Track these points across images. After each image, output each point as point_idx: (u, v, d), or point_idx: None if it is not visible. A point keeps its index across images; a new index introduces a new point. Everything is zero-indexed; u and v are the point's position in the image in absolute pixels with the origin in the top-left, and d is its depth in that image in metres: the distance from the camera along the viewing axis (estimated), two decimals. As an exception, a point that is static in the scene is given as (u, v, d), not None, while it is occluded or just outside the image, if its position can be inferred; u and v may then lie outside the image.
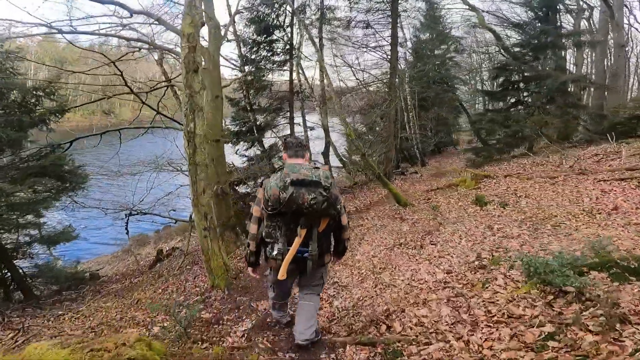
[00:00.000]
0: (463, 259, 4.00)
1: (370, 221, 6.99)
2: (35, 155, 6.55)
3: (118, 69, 6.32)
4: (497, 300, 2.80)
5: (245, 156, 11.83)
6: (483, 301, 2.86)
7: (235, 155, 11.81)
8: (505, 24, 13.55)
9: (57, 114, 6.39)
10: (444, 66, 17.08)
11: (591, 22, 17.04)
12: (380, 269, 4.39)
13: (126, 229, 7.43)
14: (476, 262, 3.79)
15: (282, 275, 2.22)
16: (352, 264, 4.85)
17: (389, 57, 12.07)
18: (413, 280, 3.83)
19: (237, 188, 11.07)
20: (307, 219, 2.18)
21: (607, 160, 7.49)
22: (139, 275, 8.32)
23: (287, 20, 12.07)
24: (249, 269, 2.69)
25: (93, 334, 4.57)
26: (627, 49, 11.25)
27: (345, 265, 4.85)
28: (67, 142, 7.36)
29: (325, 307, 3.84)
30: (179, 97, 8.84)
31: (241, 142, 11.77)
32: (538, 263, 2.78)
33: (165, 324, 4.01)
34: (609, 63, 13.40)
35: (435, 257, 4.23)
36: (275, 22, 11.81)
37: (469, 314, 2.73)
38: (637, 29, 18.76)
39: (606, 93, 11.78)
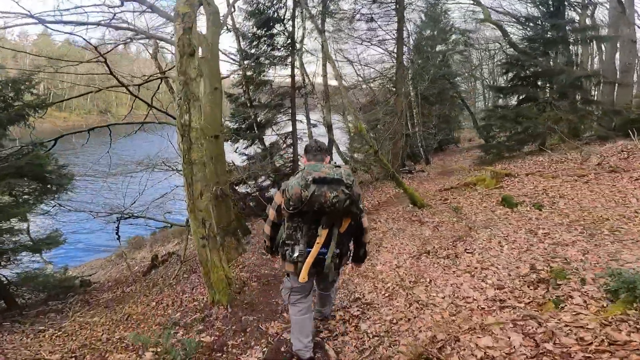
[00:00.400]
0: (513, 271, 3.31)
1: (385, 224, 6.29)
2: (16, 154, 5.78)
3: (102, 55, 5.53)
4: (587, 325, 2.14)
5: (245, 154, 11.11)
6: (566, 325, 2.19)
7: (234, 154, 11.08)
8: (513, 20, 12.93)
9: (38, 109, 5.62)
10: (446, 62, 16.50)
11: (594, 18, 16.58)
12: (410, 282, 3.69)
13: (117, 234, 6.66)
14: (533, 275, 3.11)
15: (303, 277, 2.16)
16: (374, 275, 4.14)
17: (393, 51, 11.44)
18: (457, 297, 3.13)
19: (237, 188, 10.35)
20: (328, 219, 2.11)
21: (635, 157, 6.85)
22: (132, 284, 7.56)
23: (288, 14, 11.37)
24: (269, 255, 2.71)
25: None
26: (638, 45, 10.59)
27: (366, 277, 4.15)
28: (52, 140, 6.58)
29: (350, 332, 3.13)
30: (174, 90, 8.09)
31: (241, 140, 11.04)
32: (636, 277, 2.15)
33: (159, 349, 3.29)
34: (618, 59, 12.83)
35: (476, 268, 3.54)
36: (275, 14, 11.10)
37: (554, 343, 2.05)
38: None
39: (616, 89, 11.20)
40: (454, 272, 3.60)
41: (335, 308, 3.59)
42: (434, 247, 4.36)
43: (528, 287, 3.00)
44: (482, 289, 3.16)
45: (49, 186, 5.74)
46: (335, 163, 2.30)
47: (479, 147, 12.42)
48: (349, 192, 2.02)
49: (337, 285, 3.27)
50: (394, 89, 10.78)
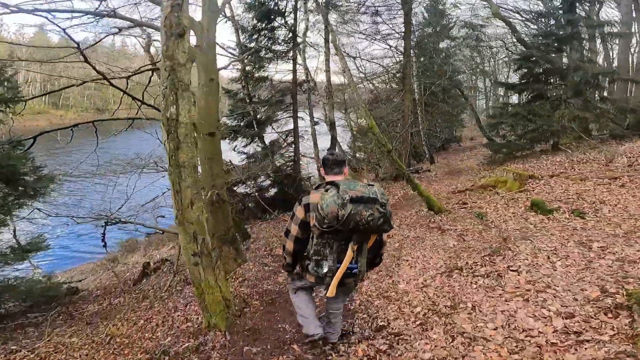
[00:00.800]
0: (578, 294, 2.67)
1: (400, 231, 5.63)
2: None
3: (77, 44, 4.79)
4: None
5: (244, 153, 10.39)
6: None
7: (233, 153, 10.37)
8: (521, 17, 12.34)
9: (8, 104, 4.88)
10: (450, 60, 15.89)
11: (599, 17, 16.03)
12: (446, 307, 3.02)
13: (103, 240, 5.93)
14: (607, 300, 2.50)
15: (331, 292, 2.16)
16: (397, 296, 3.48)
17: (398, 47, 10.80)
18: (514, 329, 2.48)
19: (235, 189, 9.64)
20: (359, 236, 2.09)
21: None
22: (121, 294, 6.84)
23: (290, 6, 10.66)
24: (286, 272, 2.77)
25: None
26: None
27: (388, 299, 3.48)
28: (31, 138, 5.83)
29: (379, 374, 2.47)
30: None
31: (240, 138, 10.32)
32: None
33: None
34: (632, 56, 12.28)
35: (529, 291, 2.88)
36: (276, 7, 10.39)
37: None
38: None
39: (632, 87, 10.62)
40: (500, 295, 2.94)
41: (355, 339, 2.94)
42: (466, 262, 3.69)
43: (605, 314, 2.36)
44: (545, 317, 2.51)
45: (23, 189, 5.01)
46: (368, 182, 2.21)
47: (486, 146, 11.78)
48: (384, 211, 2.00)
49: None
50: (401, 85, 10.10)
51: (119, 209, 5.96)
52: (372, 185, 2.09)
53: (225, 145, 10.58)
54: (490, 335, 2.50)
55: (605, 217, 4.09)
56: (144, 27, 7.96)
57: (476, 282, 3.26)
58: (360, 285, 3.93)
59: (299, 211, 2.18)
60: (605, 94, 13.25)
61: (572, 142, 9.91)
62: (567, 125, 9.17)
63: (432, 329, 2.79)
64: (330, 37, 7.60)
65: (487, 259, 3.62)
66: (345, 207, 1.93)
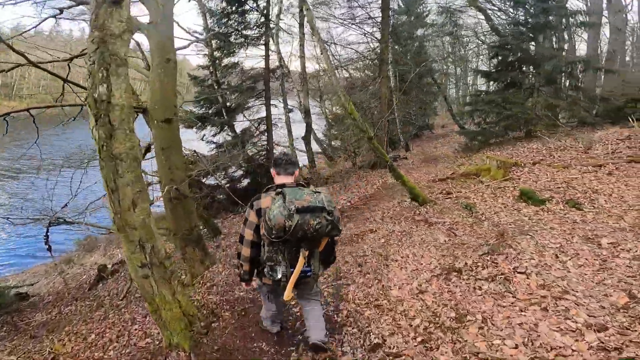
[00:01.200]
0: (602, 301, 2.29)
1: (382, 225, 5.17)
2: None
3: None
4: None
5: (214, 143, 9.56)
6: None
7: (201, 142, 9.54)
8: (495, 7, 12.10)
9: None
10: (423, 49, 15.59)
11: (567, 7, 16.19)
12: (450, 319, 2.56)
13: (47, 243, 5.05)
14: (638, 308, 2.09)
15: (288, 296, 2.11)
16: (390, 305, 2.99)
17: (376, 33, 10.24)
18: (539, 346, 2.04)
19: (204, 181, 8.84)
20: (309, 242, 2.07)
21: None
22: (73, 301, 6.00)
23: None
24: (243, 284, 2.60)
25: None
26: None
27: (379, 308, 2.98)
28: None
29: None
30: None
31: (208, 127, 9.47)
32: None
33: None
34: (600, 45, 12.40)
35: (544, 297, 2.46)
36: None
37: None
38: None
39: (601, 75, 10.70)
40: (512, 303, 2.51)
41: (346, 362, 2.44)
42: (465, 263, 3.25)
43: (641, 327, 1.97)
44: (573, 331, 2.09)
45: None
46: (314, 188, 2.15)
47: (462, 134, 11.58)
48: (331, 218, 1.99)
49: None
50: (378, 72, 9.59)
51: (63, 207, 5.08)
52: (319, 192, 2.05)
53: (192, 134, 9.71)
54: (512, 356, 2.05)
55: (603, 208, 3.78)
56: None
57: (480, 287, 2.83)
58: (346, 291, 3.43)
59: (252, 216, 2.16)
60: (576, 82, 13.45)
61: (545, 129, 9.88)
62: (540, 113, 9.06)
63: (437, 348, 2.32)
64: (306, 17, 6.90)
65: (488, 258, 3.19)
66: (292, 218, 1.90)
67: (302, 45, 10.35)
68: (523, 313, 2.37)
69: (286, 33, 11.12)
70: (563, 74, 9.79)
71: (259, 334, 3.04)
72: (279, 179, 2.22)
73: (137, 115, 4.10)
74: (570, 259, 2.84)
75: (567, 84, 10.08)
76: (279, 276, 2.10)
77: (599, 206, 3.84)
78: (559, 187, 4.69)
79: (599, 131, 8.36)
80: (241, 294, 3.98)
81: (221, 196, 9.19)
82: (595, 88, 10.75)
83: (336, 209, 2.07)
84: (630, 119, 7.64)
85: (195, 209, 4.53)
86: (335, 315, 3.07)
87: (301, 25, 10.60)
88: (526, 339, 2.14)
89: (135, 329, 4.01)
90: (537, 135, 9.26)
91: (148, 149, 4.50)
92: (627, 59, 13.58)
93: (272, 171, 2.31)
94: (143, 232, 2.28)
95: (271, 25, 10.44)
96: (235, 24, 9.98)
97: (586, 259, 2.81)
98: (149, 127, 3.96)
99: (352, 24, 10.95)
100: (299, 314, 3.25)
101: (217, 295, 4.07)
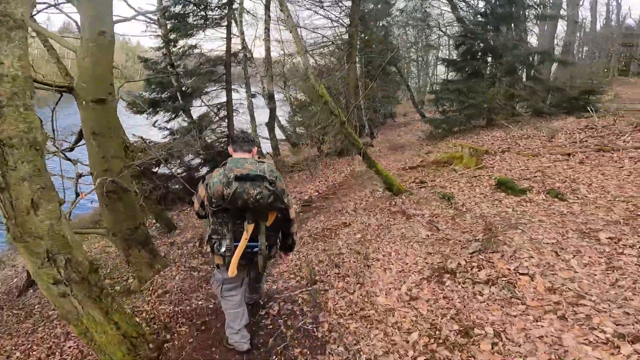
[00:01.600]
0: (625, 306, 1.98)
1: (356, 217, 4.72)
2: None
3: None
4: None
5: (167, 129, 8.56)
6: None
7: (153, 129, 8.52)
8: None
9: None
10: (388, 37, 15.28)
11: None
12: (454, 333, 2.15)
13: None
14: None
15: (232, 271, 1.99)
16: (379, 315, 2.53)
17: (344, 18, 9.65)
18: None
19: (156, 170, 7.87)
20: (253, 214, 1.99)
21: (608, 135, 6.17)
22: (-2, 312, 4.98)
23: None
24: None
25: None
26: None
27: (367, 319, 2.51)
28: None
29: None
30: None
31: (161, 112, 8.44)
32: None
33: None
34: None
35: (558, 303, 2.12)
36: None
37: None
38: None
39: (555, 66, 11.00)
40: (523, 312, 2.14)
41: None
42: (458, 262, 2.87)
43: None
44: (604, 343, 1.75)
45: None
46: (258, 157, 2.10)
47: (427, 122, 11.49)
48: (273, 188, 1.90)
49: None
50: (347, 57, 9.06)
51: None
52: (263, 162, 2.00)
53: (143, 120, 8.64)
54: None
55: (587, 199, 3.60)
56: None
57: (480, 291, 2.45)
58: (324, 298, 2.93)
59: (201, 190, 2.09)
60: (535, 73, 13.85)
61: (505, 118, 9.99)
62: (501, 102, 9.10)
63: (442, 373, 1.90)
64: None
65: (482, 257, 2.84)
66: (230, 185, 1.84)
67: (267, 29, 9.48)
68: (539, 323, 2.01)
69: (251, 15, 10.16)
70: (522, 64, 9.90)
71: (225, 354, 2.46)
72: (235, 156, 2.09)
73: (62, 95, 3.25)
74: (573, 257, 2.55)
75: (526, 74, 10.19)
76: (223, 249, 2.01)
77: (583, 196, 3.65)
78: (535, 176, 4.51)
79: (555, 121, 8.53)
80: (200, 302, 3.33)
81: (176, 186, 8.30)
82: (550, 79, 11.03)
83: (280, 181, 1.99)
84: (589, 110, 7.80)
85: (141, 204, 3.76)
86: (314, 330, 2.56)
87: (267, 7, 9.72)
88: (552, 355, 1.77)
89: (70, 347, 3.24)
90: (498, 123, 9.34)
91: (81, 136, 3.65)
92: (575, 52, 14.24)
93: (229, 149, 2.20)
94: (52, 241, 1.60)
95: (235, 6, 9.48)
96: (194, 3, 8.91)
97: (590, 256, 2.53)
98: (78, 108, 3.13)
99: (321, 7, 10.23)
100: (270, 327, 2.72)
101: (171, 304, 3.38)
